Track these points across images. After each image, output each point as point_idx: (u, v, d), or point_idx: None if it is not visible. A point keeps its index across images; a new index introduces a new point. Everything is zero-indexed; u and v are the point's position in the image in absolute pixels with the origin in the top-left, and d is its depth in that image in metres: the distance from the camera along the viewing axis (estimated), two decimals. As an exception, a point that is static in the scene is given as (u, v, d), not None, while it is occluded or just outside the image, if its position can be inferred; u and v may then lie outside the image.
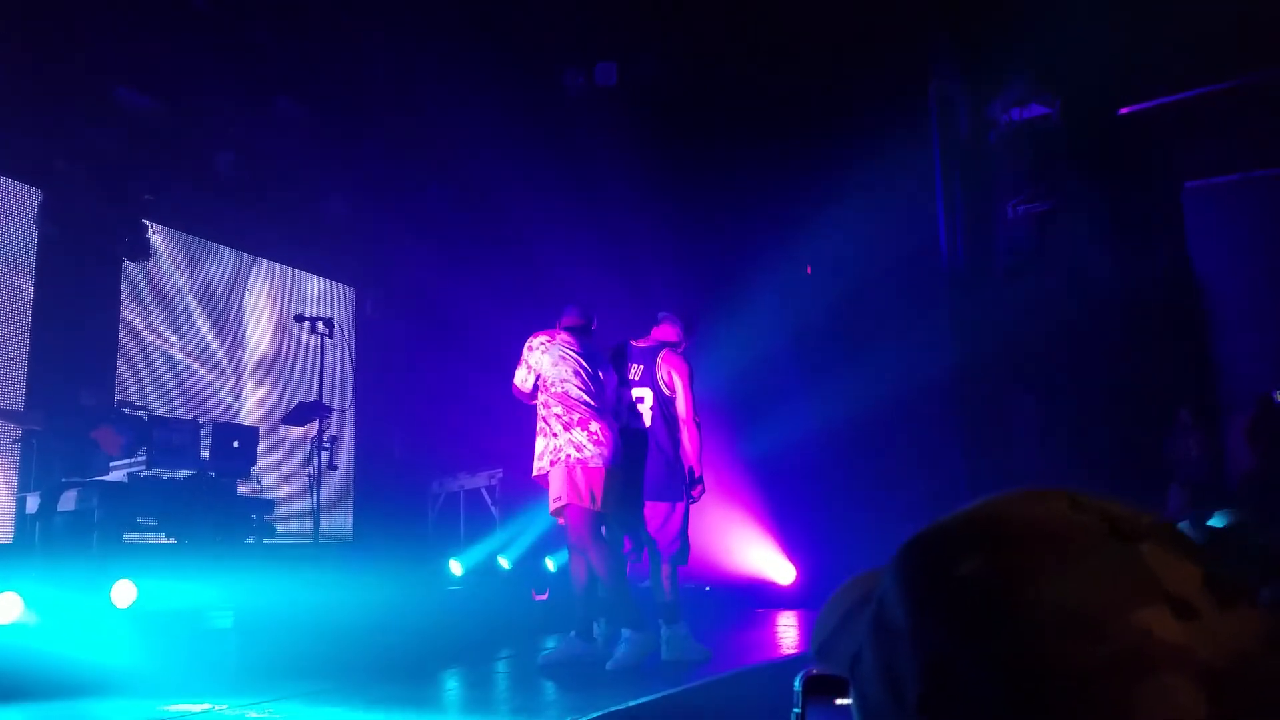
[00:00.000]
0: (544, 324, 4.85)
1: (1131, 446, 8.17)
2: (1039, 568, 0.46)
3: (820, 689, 0.63)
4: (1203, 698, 0.42)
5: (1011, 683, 0.43)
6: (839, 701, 0.62)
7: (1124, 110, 8.70)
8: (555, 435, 4.51)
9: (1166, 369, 8.66)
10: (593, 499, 4.42)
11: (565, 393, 4.56)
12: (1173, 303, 8.84)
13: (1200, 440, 8.11)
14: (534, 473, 4.65)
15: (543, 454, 4.55)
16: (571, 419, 4.51)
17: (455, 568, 6.49)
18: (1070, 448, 8.28)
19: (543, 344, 4.67)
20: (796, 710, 0.64)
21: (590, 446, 4.46)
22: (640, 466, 4.74)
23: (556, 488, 4.45)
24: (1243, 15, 7.09)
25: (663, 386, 4.86)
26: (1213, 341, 9.00)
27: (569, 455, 4.45)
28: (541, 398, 4.60)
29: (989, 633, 0.45)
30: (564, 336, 4.69)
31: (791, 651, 5.25)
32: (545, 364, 4.62)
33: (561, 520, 4.56)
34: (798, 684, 0.65)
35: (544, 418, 4.59)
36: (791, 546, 8.60)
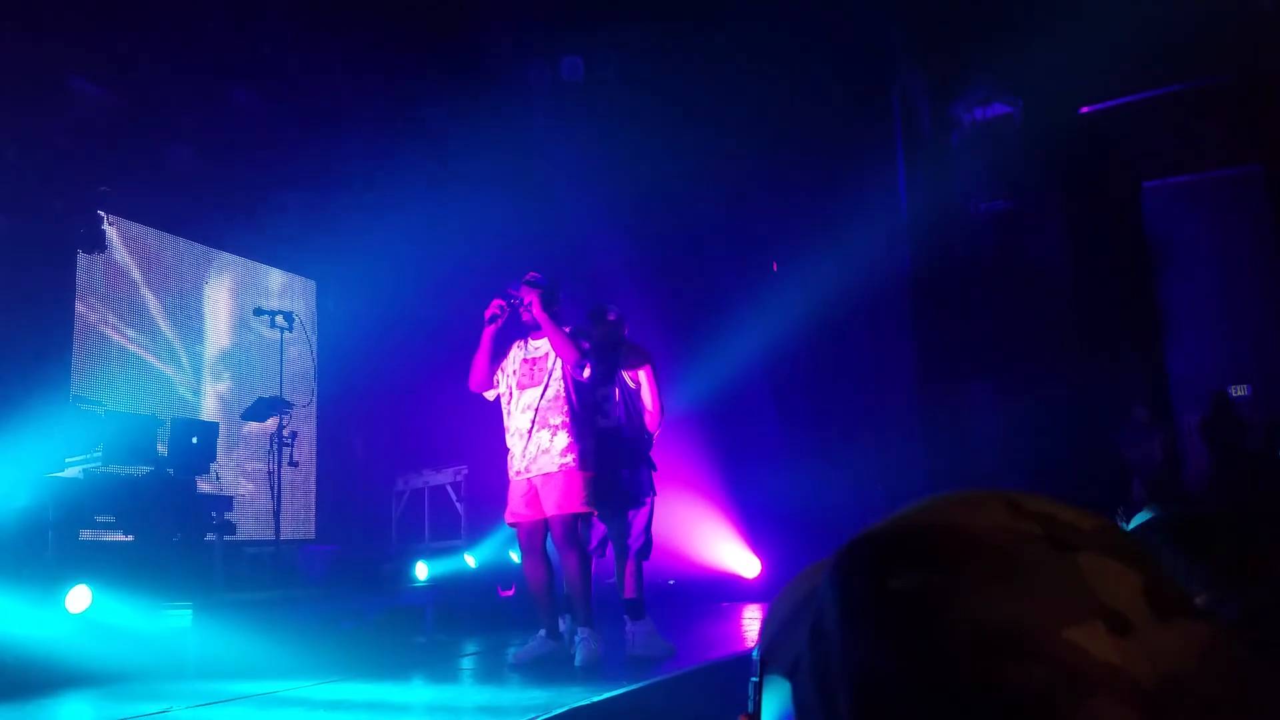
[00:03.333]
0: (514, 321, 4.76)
1: (1089, 440, 8.30)
2: (970, 582, 0.44)
3: None
4: None
5: (940, 704, 0.42)
6: (759, 660, 0.63)
7: (1084, 110, 8.83)
8: (589, 437, 4.50)
9: (1123, 364, 8.81)
10: None
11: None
12: (1130, 299, 8.99)
13: (1159, 441, 8.26)
14: (575, 465, 4.43)
15: (573, 451, 4.47)
16: (593, 423, 4.55)
17: (421, 571, 6.44)
18: (1029, 441, 8.39)
19: None
20: (754, 679, 0.64)
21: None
22: (615, 466, 4.72)
23: (587, 491, 4.43)
24: (1201, 19, 7.22)
25: (628, 381, 4.86)
26: (1168, 338, 9.16)
27: (591, 460, 4.48)
28: (561, 393, 4.53)
29: (918, 651, 0.43)
30: None
31: (754, 646, 5.27)
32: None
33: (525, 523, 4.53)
34: (756, 653, 0.65)
35: (587, 418, 4.54)
36: (757, 540, 8.64)
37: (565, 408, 4.47)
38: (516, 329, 4.70)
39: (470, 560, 7.13)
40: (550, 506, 4.42)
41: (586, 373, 4.51)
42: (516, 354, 4.65)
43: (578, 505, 4.41)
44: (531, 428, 4.48)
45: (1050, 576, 0.44)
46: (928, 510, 0.49)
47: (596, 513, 4.53)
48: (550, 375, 4.52)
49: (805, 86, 8.08)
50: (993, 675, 0.42)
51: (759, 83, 8.13)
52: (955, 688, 0.42)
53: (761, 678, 0.64)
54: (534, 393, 4.52)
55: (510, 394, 4.60)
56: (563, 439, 4.43)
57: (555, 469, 4.41)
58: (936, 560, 0.46)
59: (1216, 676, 0.42)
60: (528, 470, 4.47)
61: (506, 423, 4.60)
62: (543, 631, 4.52)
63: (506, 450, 4.61)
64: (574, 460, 4.41)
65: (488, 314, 4.51)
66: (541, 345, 4.59)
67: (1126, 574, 0.45)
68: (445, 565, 6.79)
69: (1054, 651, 0.42)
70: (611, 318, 4.94)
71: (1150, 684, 0.41)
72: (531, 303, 4.48)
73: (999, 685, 0.41)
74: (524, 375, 4.58)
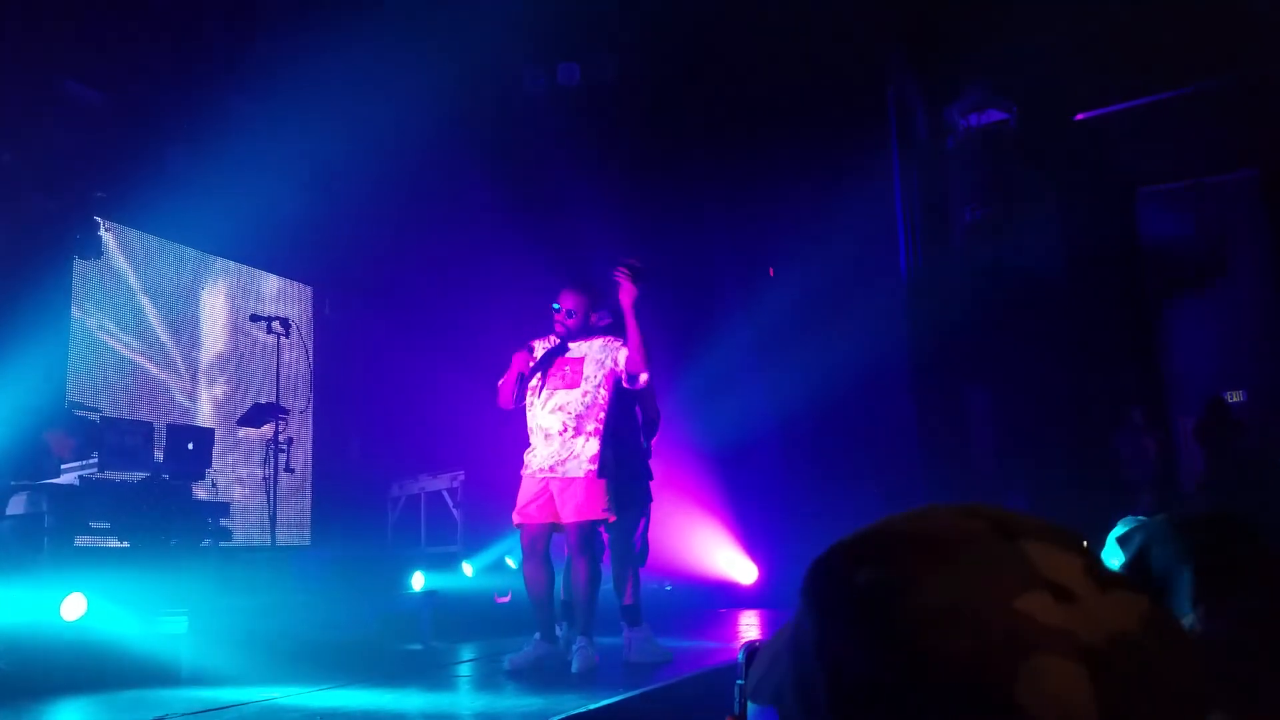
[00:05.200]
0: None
1: (1085, 445, 8.31)
2: (925, 570, 0.49)
3: None
4: (1084, 674, 0.44)
5: (902, 679, 0.46)
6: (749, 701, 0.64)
7: (1079, 116, 8.85)
8: (611, 447, 4.47)
9: (1119, 369, 8.82)
10: None
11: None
12: (1125, 304, 9.01)
13: (1156, 440, 8.27)
14: (598, 473, 4.38)
15: (599, 458, 4.43)
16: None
17: (418, 581, 6.41)
18: (1025, 446, 8.40)
19: None
20: (740, 681, 0.66)
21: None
22: (623, 474, 4.70)
23: (608, 498, 4.42)
24: (1196, 24, 7.24)
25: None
26: (1164, 343, 9.18)
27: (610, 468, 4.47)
28: (598, 399, 4.48)
29: (881, 635, 0.48)
30: None
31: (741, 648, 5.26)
32: None
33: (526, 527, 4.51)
34: (741, 656, 0.66)
35: (613, 426, 4.50)
36: (753, 546, 8.64)
37: (601, 414, 4.43)
38: (546, 325, 4.64)
39: (468, 569, 7.11)
40: (569, 513, 4.38)
41: (644, 378, 4.46)
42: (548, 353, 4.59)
43: (598, 512, 4.38)
44: (563, 430, 4.42)
45: (997, 559, 0.49)
46: (886, 520, 0.54)
47: (614, 519, 4.50)
48: (588, 380, 4.45)
49: (800, 92, 8.10)
50: (947, 647, 0.46)
51: (753, 88, 8.15)
52: (916, 664, 0.46)
53: (746, 680, 0.65)
54: (568, 395, 4.45)
55: (538, 390, 4.53)
56: (593, 445, 4.38)
57: (581, 474, 4.37)
58: (893, 556, 0.50)
59: (1155, 635, 0.47)
60: (551, 471, 4.41)
61: (529, 418, 4.54)
62: (537, 635, 4.51)
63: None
64: (598, 468, 4.38)
65: (534, 347, 4.52)
66: (579, 348, 4.52)
67: (1069, 556, 0.50)
68: (442, 573, 6.78)
69: (1002, 620, 0.46)
70: (605, 323, 4.93)
71: (1093, 642, 0.46)
72: (624, 286, 4.39)
73: (953, 655, 0.45)
74: (556, 374, 4.51)
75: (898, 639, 0.47)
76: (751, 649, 0.65)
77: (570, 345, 4.53)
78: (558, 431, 4.42)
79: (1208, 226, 9.20)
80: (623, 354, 4.45)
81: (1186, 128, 8.42)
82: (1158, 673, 0.46)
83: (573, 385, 4.46)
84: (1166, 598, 1.12)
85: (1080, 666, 0.45)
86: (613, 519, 4.48)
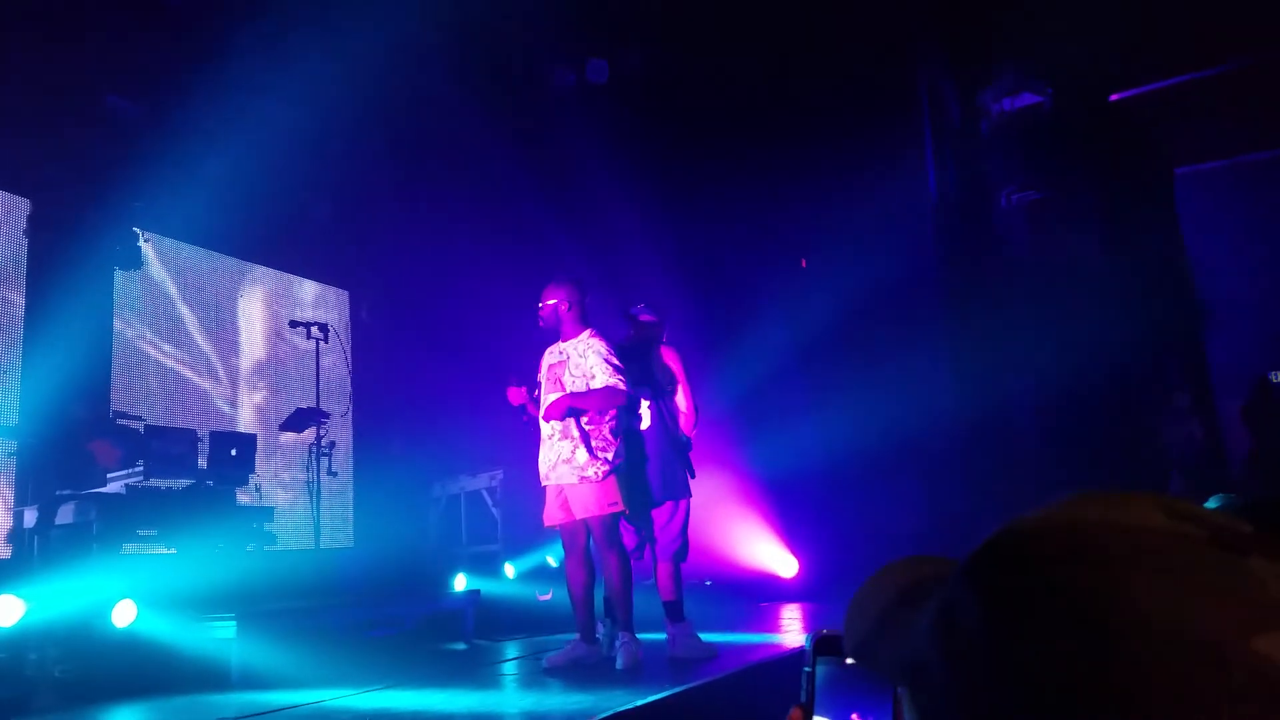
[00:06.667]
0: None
1: (1129, 433, 8.18)
2: (1140, 580, 0.42)
3: (831, 649, 0.63)
4: None
5: (1121, 709, 0.40)
6: (850, 660, 0.61)
7: (1115, 97, 8.70)
8: (614, 443, 4.48)
9: (1161, 354, 8.67)
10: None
11: None
12: (1166, 288, 8.85)
13: (1201, 425, 8.12)
14: (598, 478, 4.41)
15: (592, 464, 4.45)
16: (618, 427, 4.53)
17: (460, 583, 6.45)
18: (1067, 436, 8.28)
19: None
20: (807, 669, 0.63)
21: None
22: (642, 468, 4.72)
23: (614, 493, 4.43)
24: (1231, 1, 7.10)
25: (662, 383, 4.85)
26: (1206, 326, 9.01)
27: (619, 463, 4.48)
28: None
29: (1090, 652, 0.41)
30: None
31: (797, 646, 5.24)
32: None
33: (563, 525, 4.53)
34: (808, 643, 0.64)
35: (607, 425, 4.51)
36: (794, 539, 8.60)
37: (585, 420, 4.45)
38: (547, 334, 4.71)
39: (510, 571, 7.14)
40: (578, 510, 4.45)
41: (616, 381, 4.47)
42: (547, 359, 4.66)
43: (604, 508, 4.41)
44: (551, 435, 4.49)
45: (1224, 579, 0.42)
46: (1074, 507, 0.46)
47: (627, 511, 4.51)
48: (570, 385, 4.50)
49: (832, 80, 8.03)
50: (1181, 680, 0.39)
51: (785, 77, 8.09)
52: (1136, 693, 0.40)
53: (814, 668, 0.63)
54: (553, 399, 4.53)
55: (541, 400, 4.62)
56: (581, 454, 4.41)
57: (576, 480, 4.42)
58: (1095, 555, 0.43)
59: None
60: (547, 478, 4.51)
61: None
62: (577, 635, 4.52)
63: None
64: (593, 473, 4.40)
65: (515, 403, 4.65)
66: (565, 350, 4.58)
67: None
68: (484, 574, 6.82)
69: (1242, 659, 0.39)
70: (646, 319, 4.95)
71: None
72: (525, 404, 4.58)
73: (1183, 691, 0.39)
74: (549, 381, 4.59)
75: (1112, 661, 0.40)
76: (819, 637, 0.63)
77: (561, 344, 4.61)
78: (548, 436, 4.51)
79: (1248, 205, 9.02)
80: (590, 357, 4.48)
81: (1223, 106, 8.26)
82: None
83: (560, 389, 4.51)
84: None
85: None
86: (626, 511, 4.49)
